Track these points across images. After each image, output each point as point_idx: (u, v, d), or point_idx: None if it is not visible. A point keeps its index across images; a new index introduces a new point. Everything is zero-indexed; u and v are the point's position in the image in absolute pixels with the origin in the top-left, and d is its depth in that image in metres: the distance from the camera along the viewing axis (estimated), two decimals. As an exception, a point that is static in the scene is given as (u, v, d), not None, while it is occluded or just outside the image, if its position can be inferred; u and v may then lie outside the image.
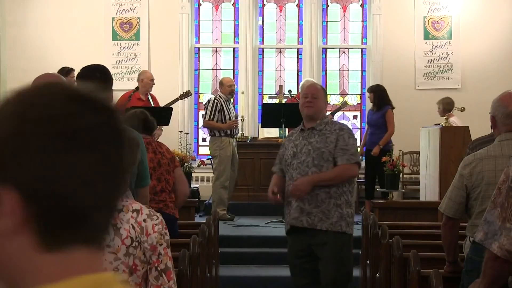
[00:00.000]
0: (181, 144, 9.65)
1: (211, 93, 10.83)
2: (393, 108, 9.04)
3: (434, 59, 10.69)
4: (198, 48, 11.07)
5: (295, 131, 4.74)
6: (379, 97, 9.01)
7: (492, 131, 3.85)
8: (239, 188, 9.18)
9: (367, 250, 5.78)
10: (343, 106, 9.94)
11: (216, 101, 8.70)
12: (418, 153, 9.62)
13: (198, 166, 10.05)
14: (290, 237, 4.68)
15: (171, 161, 5.26)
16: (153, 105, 8.48)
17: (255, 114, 10.80)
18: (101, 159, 0.87)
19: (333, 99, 10.86)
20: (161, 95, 9.12)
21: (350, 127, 10.78)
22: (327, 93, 10.65)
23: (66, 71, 8.13)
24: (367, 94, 9.47)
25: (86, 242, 0.88)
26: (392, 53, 10.69)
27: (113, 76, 3.59)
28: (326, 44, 11.04)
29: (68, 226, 0.86)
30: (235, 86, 9.04)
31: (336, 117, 10.20)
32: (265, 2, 11.10)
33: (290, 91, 9.68)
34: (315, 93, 4.62)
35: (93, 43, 10.51)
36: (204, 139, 10.91)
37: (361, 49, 11.04)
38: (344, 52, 11.07)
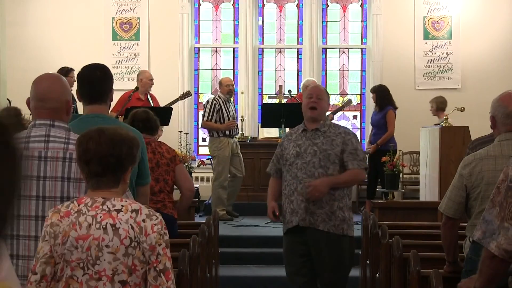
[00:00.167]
0: (181, 144, 9.65)
1: (211, 93, 10.83)
2: (396, 108, 9.05)
3: (434, 59, 10.69)
4: (198, 48, 11.07)
5: (294, 131, 4.75)
6: (381, 97, 9.04)
7: (492, 131, 3.85)
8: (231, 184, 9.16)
9: (367, 250, 5.78)
10: (347, 104, 9.92)
11: (214, 101, 8.71)
12: (418, 153, 9.63)
13: (198, 166, 10.05)
14: (289, 236, 4.67)
15: (171, 160, 5.22)
16: (152, 105, 8.49)
17: (255, 114, 10.80)
18: None
19: (333, 99, 10.85)
20: (161, 95, 9.12)
21: (350, 127, 10.89)
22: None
23: (65, 71, 8.13)
24: (370, 95, 9.50)
25: None
26: (392, 53, 10.69)
27: (113, 76, 3.60)
28: (326, 44, 11.04)
29: None
30: (234, 86, 9.03)
31: (336, 117, 10.20)
32: (265, 2, 11.10)
33: (290, 91, 9.68)
34: (319, 94, 4.64)
35: (93, 43, 10.51)
36: (204, 139, 10.91)
37: (361, 49, 11.04)
38: (344, 52, 11.07)
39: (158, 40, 10.71)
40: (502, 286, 2.67)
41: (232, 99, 9.01)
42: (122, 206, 2.43)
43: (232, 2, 11.04)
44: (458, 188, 3.71)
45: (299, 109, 8.60)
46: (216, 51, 11.09)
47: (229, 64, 11.09)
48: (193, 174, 9.47)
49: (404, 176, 10.26)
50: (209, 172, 9.76)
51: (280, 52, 11.10)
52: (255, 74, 10.97)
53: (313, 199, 4.48)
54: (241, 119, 10.02)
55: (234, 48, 11.05)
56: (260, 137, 9.97)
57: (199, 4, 11.08)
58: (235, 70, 10.98)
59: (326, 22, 11.06)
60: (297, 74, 11.04)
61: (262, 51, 11.09)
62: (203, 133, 10.89)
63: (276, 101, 10.11)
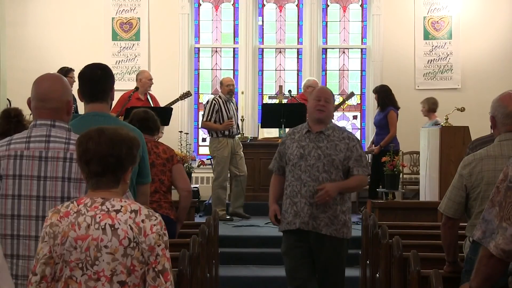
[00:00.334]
0: (181, 144, 9.65)
1: (211, 93, 10.85)
2: (398, 108, 9.07)
3: (434, 59, 10.70)
4: (198, 48, 11.07)
5: (297, 131, 4.75)
6: (382, 98, 9.07)
7: (492, 131, 3.85)
8: (233, 184, 9.17)
9: (367, 250, 5.78)
10: (350, 96, 9.89)
11: (214, 102, 8.72)
12: (418, 153, 9.63)
13: (198, 166, 10.05)
14: (290, 235, 4.68)
15: (168, 161, 5.16)
16: (152, 105, 8.49)
17: (255, 114, 10.80)
18: None
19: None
20: (161, 95, 9.12)
21: (350, 127, 10.89)
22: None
23: (65, 71, 8.13)
24: (370, 95, 9.53)
25: None
26: (392, 53, 10.69)
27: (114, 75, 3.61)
28: (326, 44, 11.04)
29: None
30: (234, 86, 9.03)
31: (336, 117, 10.21)
32: (265, 2, 11.10)
33: (290, 91, 9.68)
34: (328, 98, 4.66)
35: (93, 43, 10.51)
36: (204, 139, 10.92)
37: (361, 49, 11.04)
38: (344, 52, 11.07)
39: (158, 40, 10.71)
40: (502, 286, 2.67)
41: (233, 99, 9.00)
42: (122, 206, 2.43)
43: (232, 2, 11.05)
44: (458, 188, 3.71)
45: (299, 109, 8.66)
46: (216, 51, 11.10)
47: (229, 64, 11.09)
48: (193, 174, 9.48)
49: (404, 176, 10.26)
50: (209, 172, 9.76)
51: (280, 52, 11.10)
52: (255, 74, 10.97)
53: (321, 203, 4.51)
54: (241, 119, 10.02)
55: (234, 48, 11.05)
56: (260, 137, 9.96)
57: (199, 4, 11.08)
58: (235, 70, 10.99)
59: (326, 22, 11.06)
60: (297, 74, 11.05)
61: (262, 51, 11.09)
62: (203, 133, 10.90)
63: (276, 101, 10.11)
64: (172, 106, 8.74)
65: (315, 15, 10.84)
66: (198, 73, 11.09)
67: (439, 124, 8.76)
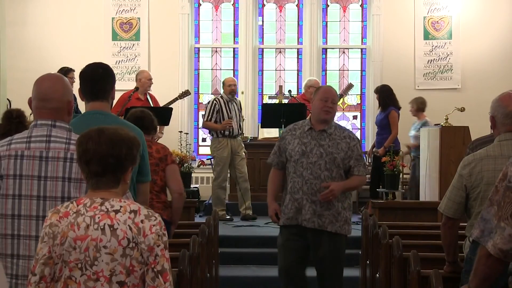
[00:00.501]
0: (181, 144, 9.64)
1: (211, 93, 10.86)
2: (399, 108, 9.08)
3: (434, 59, 10.70)
4: (198, 48, 11.07)
5: (298, 127, 4.78)
6: (383, 97, 9.09)
7: (492, 131, 3.85)
8: (237, 187, 9.17)
9: (367, 250, 5.78)
10: (349, 88, 9.87)
11: (215, 102, 8.74)
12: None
13: (198, 166, 10.05)
14: (288, 230, 4.72)
15: (161, 160, 5.10)
16: (152, 105, 8.49)
17: (255, 114, 10.81)
18: None
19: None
20: (161, 95, 9.12)
21: (350, 127, 10.90)
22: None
23: (64, 71, 8.12)
24: (370, 95, 9.54)
25: None
26: (392, 53, 10.69)
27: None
28: (326, 44, 11.04)
29: None
30: (236, 86, 9.03)
31: (336, 117, 10.19)
32: (265, 2, 11.10)
33: (290, 91, 9.68)
34: (334, 99, 4.74)
35: (93, 43, 10.51)
36: (204, 139, 10.92)
37: (361, 49, 11.04)
38: (344, 52, 11.07)
39: (158, 40, 10.71)
40: (503, 286, 2.67)
41: (236, 99, 9.00)
42: (121, 206, 2.43)
43: (232, 2, 11.05)
44: (458, 188, 3.71)
45: (299, 109, 8.66)
46: (216, 51, 11.10)
47: (229, 64, 11.09)
48: (193, 174, 9.47)
49: (404, 176, 10.26)
50: (209, 172, 9.77)
51: (280, 52, 11.10)
52: (255, 74, 10.97)
53: (325, 201, 4.57)
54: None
55: (234, 48, 11.05)
56: (260, 137, 9.97)
57: (199, 4, 11.08)
58: (235, 70, 10.99)
59: (326, 22, 11.06)
60: (297, 74, 11.05)
61: (262, 51, 11.09)
62: (203, 133, 10.90)
63: (276, 101, 10.11)
64: (172, 106, 8.74)
65: (315, 15, 10.84)
66: (198, 73, 11.09)
67: (428, 124, 8.85)
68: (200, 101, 10.99)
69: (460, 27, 10.67)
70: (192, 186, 9.35)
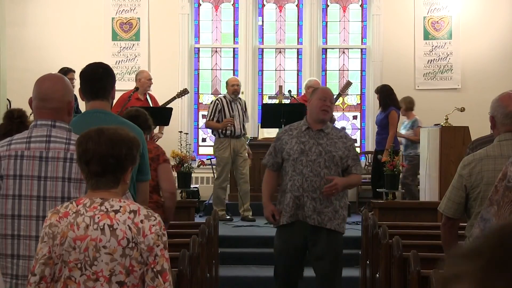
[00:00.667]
0: (181, 144, 9.64)
1: (211, 93, 10.87)
2: (399, 108, 9.08)
3: (434, 59, 10.70)
4: (198, 48, 11.07)
5: (294, 127, 4.86)
6: (384, 97, 9.09)
7: (492, 131, 3.85)
8: (237, 188, 9.17)
9: (367, 250, 5.78)
10: (347, 86, 9.85)
11: (217, 101, 8.77)
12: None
13: (198, 166, 10.04)
14: (287, 228, 4.77)
15: (153, 160, 5.02)
16: (151, 105, 8.49)
17: (255, 114, 10.81)
18: None
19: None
20: (161, 95, 9.12)
21: (350, 127, 10.90)
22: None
23: (64, 71, 8.12)
24: (370, 95, 9.54)
25: None
26: (392, 53, 10.69)
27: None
28: (326, 44, 11.04)
29: None
30: (240, 86, 9.02)
31: (336, 117, 10.19)
32: (265, 2, 11.10)
33: (290, 91, 9.67)
34: (332, 99, 4.89)
35: (93, 43, 10.51)
36: (204, 139, 10.92)
37: (361, 49, 11.04)
38: (344, 52, 11.07)
39: (158, 40, 10.71)
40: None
41: (241, 99, 9.01)
42: (121, 206, 2.43)
43: (232, 2, 11.05)
44: (458, 188, 3.71)
45: (299, 109, 8.66)
46: (216, 51, 11.10)
47: (229, 64, 11.09)
48: (193, 174, 9.46)
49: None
50: (209, 172, 9.78)
51: (280, 52, 11.10)
52: (255, 74, 10.97)
53: (328, 194, 4.65)
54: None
55: (234, 48, 11.05)
56: (260, 137, 9.97)
57: (199, 4, 11.08)
58: (235, 70, 10.98)
59: (326, 22, 11.06)
60: (297, 74, 11.05)
61: (262, 51, 11.09)
62: (203, 133, 10.91)
63: (276, 101, 10.11)
64: (172, 106, 8.74)
65: (315, 15, 10.84)
66: (198, 73, 11.09)
67: (418, 123, 8.89)
68: (200, 101, 10.99)
69: (460, 27, 10.67)
70: (192, 186, 9.35)
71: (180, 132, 10.04)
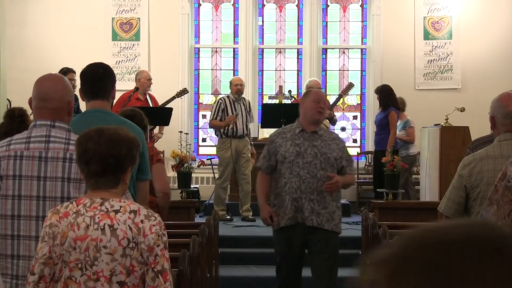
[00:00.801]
0: (181, 144, 9.64)
1: (211, 93, 10.87)
2: (399, 108, 9.08)
3: (434, 59, 10.70)
4: (198, 48, 11.07)
5: (288, 130, 4.93)
6: (383, 98, 9.09)
7: (492, 132, 3.85)
8: (239, 188, 9.17)
9: (367, 250, 5.78)
10: (349, 88, 9.84)
11: (220, 101, 8.81)
12: (418, 153, 9.63)
13: (198, 166, 10.04)
14: (287, 230, 4.81)
15: None
16: (151, 105, 8.49)
17: (255, 114, 10.79)
18: None
19: (333, 99, 10.84)
20: (161, 95, 9.12)
21: (350, 127, 10.89)
22: (327, 93, 10.72)
23: (63, 71, 8.12)
24: (370, 95, 9.54)
25: None
26: (392, 53, 10.69)
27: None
28: (326, 44, 11.04)
29: None
30: (243, 86, 9.02)
31: (336, 117, 10.18)
32: (265, 2, 11.10)
33: (290, 91, 9.67)
34: (326, 101, 5.05)
35: (93, 43, 10.51)
36: (204, 139, 10.92)
37: (361, 49, 11.04)
38: (344, 52, 11.07)
39: (158, 41, 10.70)
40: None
41: (245, 99, 9.01)
42: (121, 206, 2.43)
43: (232, 2, 11.04)
44: (458, 188, 3.71)
45: (299, 109, 8.65)
46: (216, 51, 11.09)
47: (229, 64, 11.09)
48: (193, 174, 9.46)
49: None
50: (209, 172, 9.78)
51: (280, 52, 11.10)
52: (255, 74, 10.97)
53: (328, 191, 4.72)
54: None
55: (234, 49, 11.05)
56: (260, 137, 9.97)
57: (199, 4, 11.08)
58: (235, 70, 10.98)
59: (326, 22, 11.06)
60: (297, 75, 11.04)
61: (262, 51, 11.09)
62: (203, 134, 10.91)
63: (276, 101, 10.11)
64: (172, 107, 8.74)
65: (315, 15, 10.84)
66: (198, 73, 11.09)
67: (410, 123, 8.91)
68: (200, 101, 10.98)
69: (460, 27, 10.67)
70: (192, 186, 9.35)
71: (180, 132, 10.04)
